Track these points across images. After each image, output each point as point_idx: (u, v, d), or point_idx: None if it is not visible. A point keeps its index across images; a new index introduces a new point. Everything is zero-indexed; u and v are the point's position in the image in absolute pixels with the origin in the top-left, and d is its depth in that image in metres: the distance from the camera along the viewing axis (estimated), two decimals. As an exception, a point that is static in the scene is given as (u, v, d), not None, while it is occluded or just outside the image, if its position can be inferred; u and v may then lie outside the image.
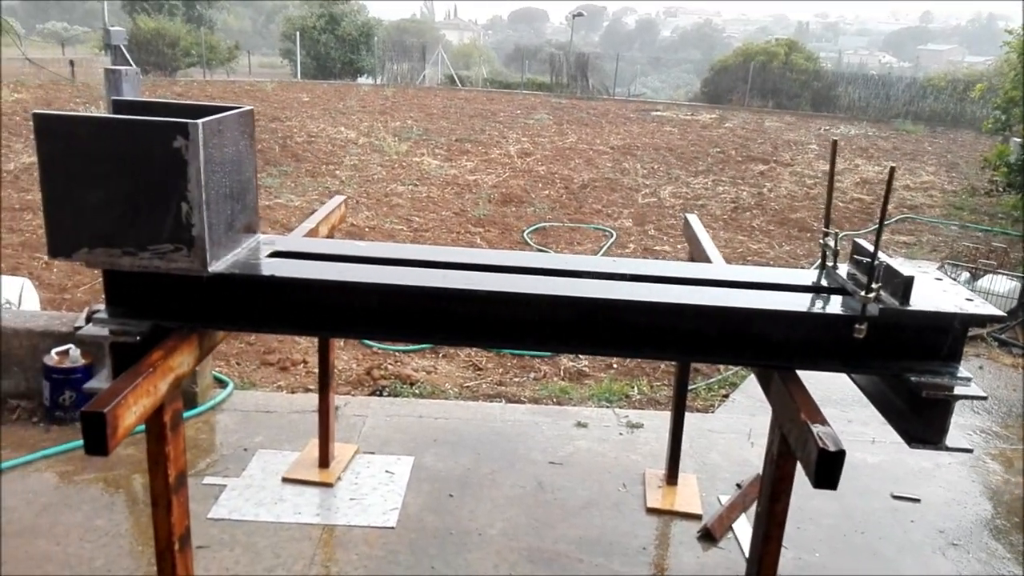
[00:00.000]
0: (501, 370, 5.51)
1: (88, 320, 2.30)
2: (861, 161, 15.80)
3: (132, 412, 2.00)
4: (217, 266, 2.27)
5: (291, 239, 2.89)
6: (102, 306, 2.35)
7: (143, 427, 2.20)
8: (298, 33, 30.91)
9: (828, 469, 1.84)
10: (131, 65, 18.10)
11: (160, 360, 2.13)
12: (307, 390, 4.90)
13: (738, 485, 4.02)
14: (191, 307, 2.31)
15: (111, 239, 2.21)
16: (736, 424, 4.79)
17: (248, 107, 2.51)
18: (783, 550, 3.53)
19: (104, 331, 2.25)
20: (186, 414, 4.34)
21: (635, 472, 4.16)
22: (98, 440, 1.91)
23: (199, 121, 2.13)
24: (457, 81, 31.05)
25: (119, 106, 2.54)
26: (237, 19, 64.94)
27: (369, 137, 15.11)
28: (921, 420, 2.17)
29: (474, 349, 5.72)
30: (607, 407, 4.95)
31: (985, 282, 7.19)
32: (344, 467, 3.98)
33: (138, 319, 2.29)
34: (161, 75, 26.98)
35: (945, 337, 2.19)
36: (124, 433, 1.99)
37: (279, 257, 2.47)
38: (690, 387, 5.05)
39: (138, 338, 2.22)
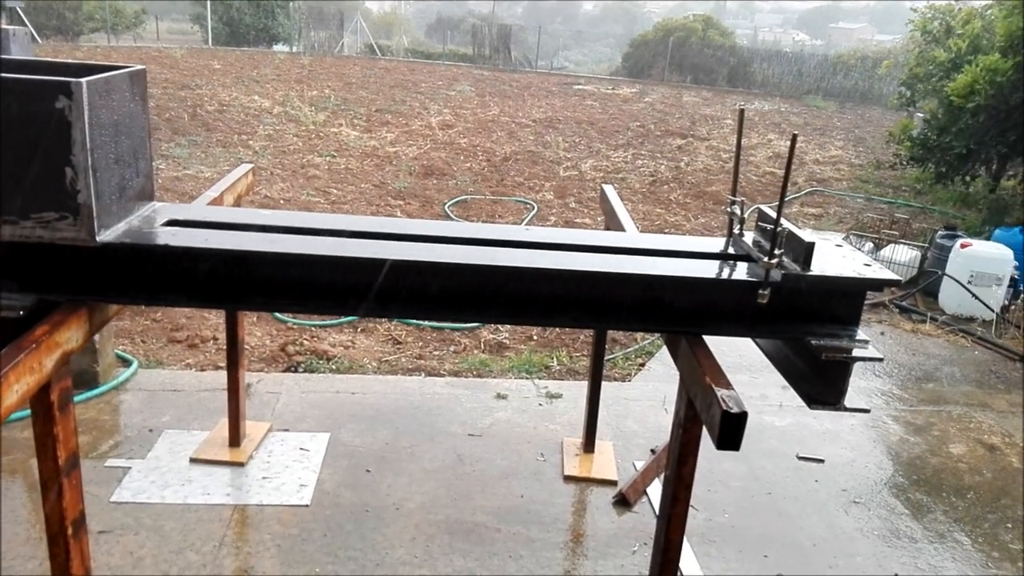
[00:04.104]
0: (421, 344, 5.45)
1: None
2: (774, 136, 16.21)
3: (14, 391, 1.88)
4: (106, 235, 2.14)
5: (189, 208, 2.76)
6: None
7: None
8: (209, -3, 29.61)
9: (731, 430, 1.87)
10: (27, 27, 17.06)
11: (45, 335, 2.00)
12: (217, 368, 4.75)
13: (652, 451, 4.10)
14: (79, 279, 2.18)
15: (-10, 207, 2.06)
16: (652, 392, 4.88)
17: (140, 67, 2.37)
18: (694, 512, 3.64)
19: (-16, 306, 2.11)
20: (87, 394, 4.15)
21: (554, 441, 4.19)
22: (-25, 421, 1.79)
23: (83, 80, 1.99)
24: (377, 50, 30.40)
25: (0, 65, 2.37)
26: (144, -18, 61.68)
27: (284, 106, 14.66)
28: (821, 382, 2.24)
29: (393, 323, 5.65)
30: (527, 379, 4.96)
31: (888, 252, 7.51)
32: (256, 446, 3.87)
33: (22, 292, 2.15)
34: (62, 40, 25.52)
35: (844, 301, 2.25)
36: (6, 413, 1.86)
37: (175, 226, 2.35)
38: (608, 357, 5.11)
39: (21, 313, 2.08)
